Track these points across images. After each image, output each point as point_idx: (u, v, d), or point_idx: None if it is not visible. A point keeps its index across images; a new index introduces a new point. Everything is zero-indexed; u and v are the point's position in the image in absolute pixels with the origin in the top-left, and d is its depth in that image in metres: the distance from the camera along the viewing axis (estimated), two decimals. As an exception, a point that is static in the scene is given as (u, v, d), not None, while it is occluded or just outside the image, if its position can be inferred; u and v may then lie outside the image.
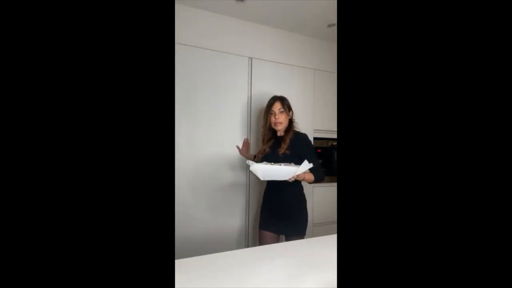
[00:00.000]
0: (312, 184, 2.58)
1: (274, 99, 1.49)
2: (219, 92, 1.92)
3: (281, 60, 2.11)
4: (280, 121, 1.44)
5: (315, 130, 2.32)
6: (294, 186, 1.41)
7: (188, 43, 1.83)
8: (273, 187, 1.44)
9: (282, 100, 1.48)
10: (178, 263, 0.68)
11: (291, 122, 1.51)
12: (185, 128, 1.82)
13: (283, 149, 1.42)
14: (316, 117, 2.32)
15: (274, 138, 1.50)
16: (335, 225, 1.99)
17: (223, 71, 1.93)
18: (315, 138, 2.32)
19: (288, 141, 1.43)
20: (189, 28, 1.83)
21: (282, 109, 1.46)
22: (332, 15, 1.93)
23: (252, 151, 1.91)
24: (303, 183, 1.42)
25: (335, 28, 2.10)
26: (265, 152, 1.49)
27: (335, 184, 2.34)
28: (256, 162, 1.32)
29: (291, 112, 1.50)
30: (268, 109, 1.49)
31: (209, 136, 1.88)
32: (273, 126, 1.47)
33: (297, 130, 1.48)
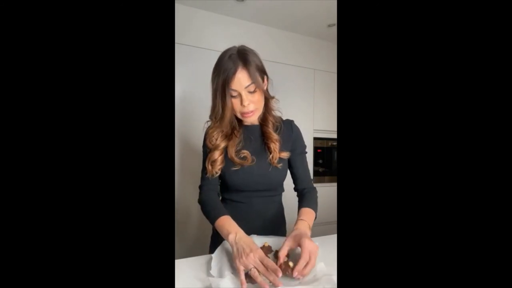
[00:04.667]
0: (312, 184, 2.58)
1: (233, 62, 0.71)
2: (219, 92, 1.93)
3: (281, 60, 2.11)
4: (251, 110, 0.74)
5: (315, 130, 2.32)
6: (274, 202, 0.87)
7: (188, 43, 1.83)
8: (240, 204, 0.83)
9: (248, 63, 0.71)
10: (178, 263, 0.68)
11: (267, 100, 0.80)
12: (184, 129, 1.82)
13: (275, 155, 0.78)
14: (316, 117, 2.32)
15: (237, 130, 0.81)
16: (335, 225, 2.00)
17: (223, 71, 1.93)
18: (315, 138, 2.32)
19: (277, 137, 0.80)
20: (189, 28, 1.83)
21: (253, 87, 0.72)
22: (332, 15, 1.93)
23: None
24: (284, 194, 0.91)
25: (335, 28, 2.10)
26: (237, 161, 0.78)
27: (335, 184, 2.34)
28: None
29: (265, 81, 0.79)
30: (222, 87, 0.72)
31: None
32: (238, 116, 0.77)
33: (278, 112, 0.86)
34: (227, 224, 0.70)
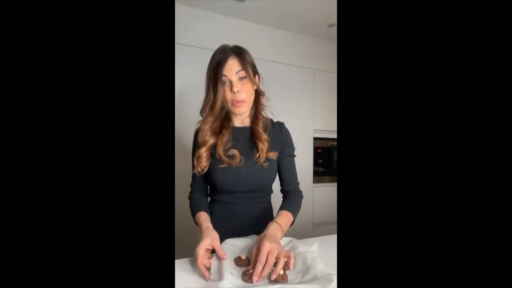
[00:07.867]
0: (312, 184, 2.58)
1: (225, 52, 0.76)
2: (219, 92, 1.93)
3: (281, 60, 2.11)
4: (242, 98, 0.76)
5: (315, 130, 2.32)
6: (263, 203, 0.86)
7: (188, 43, 1.83)
8: (229, 205, 0.83)
9: (240, 54, 0.77)
10: (178, 263, 0.68)
11: (258, 96, 0.83)
12: (184, 129, 1.82)
13: (262, 155, 0.77)
14: (316, 117, 2.32)
15: (225, 129, 0.81)
16: (335, 225, 2.00)
17: (223, 71, 1.93)
18: (315, 138, 2.32)
19: (266, 137, 0.79)
20: (189, 28, 1.83)
21: (243, 73, 0.76)
22: (332, 15, 1.93)
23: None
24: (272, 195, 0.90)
25: (335, 28, 2.10)
26: (225, 160, 0.77)
27: (335, 184, 2.34)
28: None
29: (257, 78, 0.82)
30: (215, 73, 0.75)
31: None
32: (229, 107, 0.78)
33: (270, 114, 0.88)
34: (201, 219, 0.77)
